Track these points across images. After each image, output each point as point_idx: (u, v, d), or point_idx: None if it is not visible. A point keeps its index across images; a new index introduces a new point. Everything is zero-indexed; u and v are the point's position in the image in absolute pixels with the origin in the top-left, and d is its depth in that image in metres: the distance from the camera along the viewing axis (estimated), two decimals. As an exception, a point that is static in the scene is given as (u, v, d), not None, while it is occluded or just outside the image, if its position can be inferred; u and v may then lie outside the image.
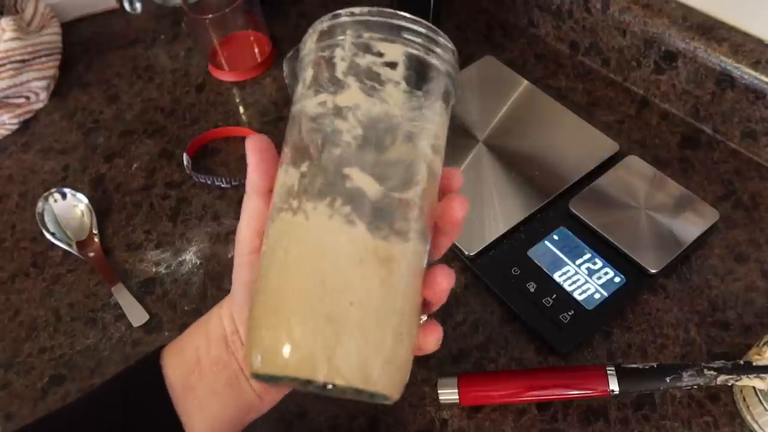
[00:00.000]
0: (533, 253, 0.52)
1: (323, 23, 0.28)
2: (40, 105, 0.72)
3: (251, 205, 0.30)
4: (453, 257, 0.54)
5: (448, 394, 0.45)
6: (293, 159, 0.28)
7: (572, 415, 0.45)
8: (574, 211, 0.53)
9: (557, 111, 0.60)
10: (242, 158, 0.64)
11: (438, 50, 0.28)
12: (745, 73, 0.53)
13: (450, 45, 0.28)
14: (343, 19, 0.27)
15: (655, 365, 0.42)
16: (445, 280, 0.28)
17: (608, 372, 0.43)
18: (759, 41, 0.53)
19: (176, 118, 0.69)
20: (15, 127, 0.70)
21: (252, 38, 0.73)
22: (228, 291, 0.54)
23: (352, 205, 0.26)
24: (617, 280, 0.49)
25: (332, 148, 0.26)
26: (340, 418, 0.47)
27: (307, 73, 0.28)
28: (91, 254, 0.58)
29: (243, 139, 0.66)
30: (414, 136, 0.27)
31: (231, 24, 0.70)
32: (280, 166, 0.29)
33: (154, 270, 0.57)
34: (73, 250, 0.59)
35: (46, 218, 0.61)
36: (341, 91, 0.27)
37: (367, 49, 0.27)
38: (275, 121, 0.67)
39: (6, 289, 0.58)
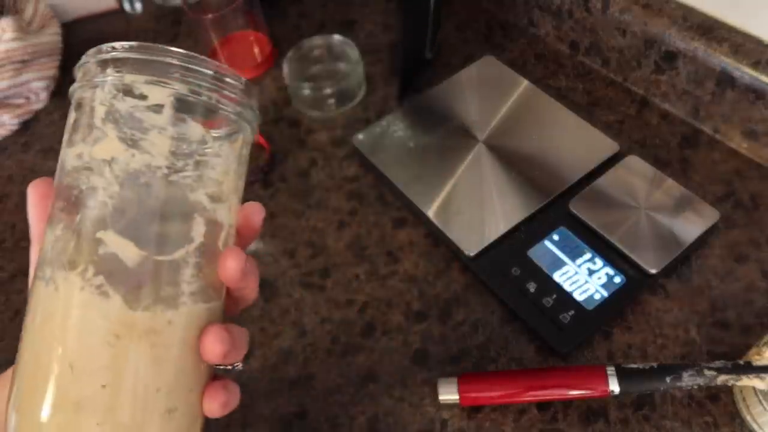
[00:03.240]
0: (533, 253, 0.52)
1: (87, 58, 0.25)
2: (40, 105, 0.72)
3: (33, 258, 0.28)
4: (453, 257, 0.54)
5: (448, 394, 0.45)
6: (51, 218, 0.25)
7: (572, 415, 0.45)
8: (574, 211, 0.53)
9: (557, 111, 0.60)
10: (242, 158, 0.65)
11: (216, 87, 0.25)
12: (745, 73, 0.53)
13: (234, 79, 0.26)
14: (104, 55, 0.24)
15: (655, 365, 0.42)
16: (218, 345, 0.25)
17: (608, 372, 0.43)
18: (759, 41, 0.53)
19: (176, 118, 0.69)
20: (15, 127, 0.70)
21: (252, 38, 0.73)
22: (228, 291, 0.55)
23: (105, 274, 0.23)
24: (617, 280, 0.49)
25: (86, 208, 0.23)
26: (340, 418, 0.47)
27: (70, 117, 0.25)
28: (91, 254, 0.58)
29: (243, 139, 0.66)
30: (185, 188, 0.24)
31: (231, 24, 0.70)
32: (46, 222, 0.25)
33: (154, 270, 0.57)
34: (73, 250, 0.59)
35: (46, 218, 0.61)
36: (99, 141, 0.23)
37: (128, 91, 0.24)
38: (275, 121, 0.67)
39: (6, 289, 0.58)
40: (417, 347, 0.50)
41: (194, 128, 0.24)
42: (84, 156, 0.24)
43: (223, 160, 0.25)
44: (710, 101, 0.57)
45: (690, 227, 0.51)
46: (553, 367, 0.47)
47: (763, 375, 0.40)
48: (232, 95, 0.26)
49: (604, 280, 0.49)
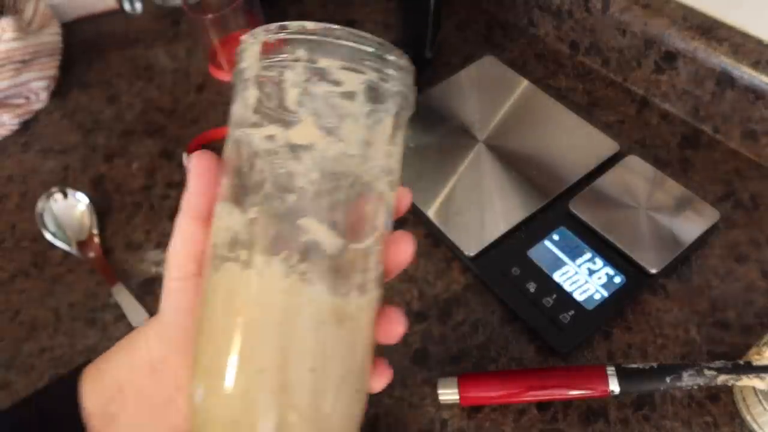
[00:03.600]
0: (533, 253, 0.51)
1: (269, 34, 0.24)
2: (40, 105, 0.72)
3: (187, 229, 0.28)
4: (453, 257, 0.54)
5: (448, 394, 0.45)
6: (238, 198, 0.24)
7: (572, 415, 0.45)
8: (574, 211, 0.53)
9: (557, 111, 0.60)
10: (242, 158, 0.65)
11: (396, 73, 0.25)
12: (745, 73, 0.53)
13: (406, 63, 0.25)
14: (294, 35, 0.24)
15: (655, 365, 0.42)
16: (400, 327, 0.27)
17: (608, 372, 0.43)
18: (759, 41, 0.53)
19: (176, 118, 0.69)
20: (15, 127, 0.70)
21: (252, 38, 0.73)
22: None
23: (309, 261, 0.23)
24: (617, 280, 0.49)
25: (285, 193, 0.23)
26: (340, 418, 0.47)
27: (250, 93, 0.24)
28: (91, 254, 0.58)
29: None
30: (374, 178, 0.25)
31: (231, 24, 0.70)
32: (219, 199, 0.25)
33: (154, 270, 0.57)
34: (73, 250, 0.59)
35: (46, 218, 0.61)
36: (294, 125, 0.23)
37: (322, 75, 0.23)
38: (275, 121, 0.67)
39: (6, 289, 0.58)
40: (417, 347, 0.50)
41: (382, 117, 0.24)
42: (277, 139, 0.23)
43: (399, 148, 0.26)
44: (710, 101, 0.57)
45: (690, 227, 0.51)
46: (553, 367, 0.47)
47: (763, 375, 0.40)
48: (408, 82, 0.25)
49: (604, 280, 0.49)
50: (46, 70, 0.71)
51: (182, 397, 0.30)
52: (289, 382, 0.23)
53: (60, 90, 0.73)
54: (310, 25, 0.24)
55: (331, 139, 0.23)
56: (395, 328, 0.27)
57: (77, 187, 0.63)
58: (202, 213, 0.27)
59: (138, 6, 0.80)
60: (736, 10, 0.54)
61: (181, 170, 0.64)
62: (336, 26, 0.24)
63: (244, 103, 0.25)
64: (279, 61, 0.24)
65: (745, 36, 0.54)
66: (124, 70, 0.75)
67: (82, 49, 0.77)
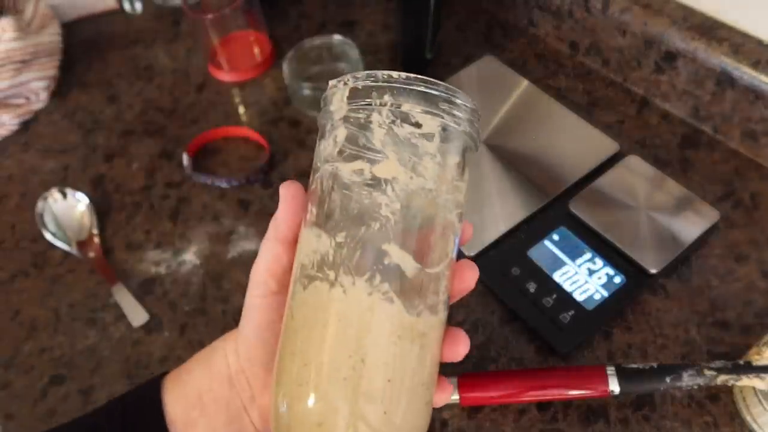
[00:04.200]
0: (533, 253, 0.52)
1: (357, 81, 0.27)
2: (40, 105, 0.72)
3: (272, 251, 0.30)
4: (453, 257, 0.54)
5: (448, 394, 0.45)
6: (325, 224, 0.27)
7: (572, 415, 0.45)
8: (574, 211, 0.53)
9: (557, 111, 0.60)
10: (242, 158, 0.65)
11: (464, 116, 0.27)
12: (745, 73, 0.53)
13: (473, 106, 0.28)
14: (381, 83, 0.27)
15: (655, 365, 0.42)
16: (464, 347, 0.29)
17: (608, 372, 0.43)
18: (759, 41, 0.53)
19: (176, 118, 0.69)
20: (15, 127, 0.70)
21: (252, 38, 0.73)
22: (228, 291, 0.55)
23: (390, 282, 0.26)
24: (617, 280, 0.49)
25: (371, 221, 0.26)
26: (340, 418, 0.47)
27: (339, 132, 0.27)
28: (91, 254, 0.58)
29: (243, 139, 0.66)
30: (446, 210, 0.27)
31: (231, 24, 0.70)
32: (306, 225, 0.28)
33: (154, 270, 0.57)
34: (73, 250, 0.59)
35: (46, 218, 0.61)
36: (379, 161, 0.26)
37: (405, 118, 0.26)
38: (275, 121, 0.67)
39: (6, 289, 0.58)
40: (417, 347, 0.50)
41: (454, 156, 0.28)
42: (364, 173, 0.26)
43: (465, 184, 0.29)
44: (710, 101, 0.57)
45: (690, 227, 0.51)
46: (553, 367, 0.47)
47: (763, 375, 0.40)
48: (476, 124, 0.28)
49: (604, 280, 0.49)
50: (46, 70, 0.71)
51: (255, 407, 0.33)
52: (369, 390, 0.25)
53: (60, 90, 0.73)
54: (394, 74, 0.27)
55: (411, 174, 0.26)
56: (460, 348, 0.29)
57: (77, 187, 0.63)
58: (287, 237, 0.30)
59: (138, 6, 0.80)
60: (736, 10, 0.54)
61: (181, 170, 0.64)
62: (415, 75, 0.27)
63: (333, 141, 0.27)
64: (366, 104, 0.26)
65: (745, 36, 0.54)
66: (124, 70, 0.75)
67: (82, 49, 0.77)
